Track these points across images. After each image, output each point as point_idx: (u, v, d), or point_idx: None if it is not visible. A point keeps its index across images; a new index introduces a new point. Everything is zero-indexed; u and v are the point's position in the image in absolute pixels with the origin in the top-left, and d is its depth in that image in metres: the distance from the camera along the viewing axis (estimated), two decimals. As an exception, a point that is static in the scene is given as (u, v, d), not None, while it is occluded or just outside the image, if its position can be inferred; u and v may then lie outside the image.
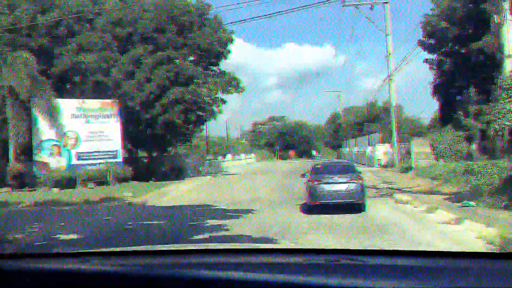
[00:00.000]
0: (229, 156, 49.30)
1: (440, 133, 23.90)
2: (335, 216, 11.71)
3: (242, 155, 57.49)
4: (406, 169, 24.95)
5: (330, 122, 72.79)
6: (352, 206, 12.21)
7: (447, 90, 27.23)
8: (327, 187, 12.40)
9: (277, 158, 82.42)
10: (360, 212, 12.17)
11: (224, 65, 30.76)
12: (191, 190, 23.66)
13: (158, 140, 29.97)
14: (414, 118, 44.55)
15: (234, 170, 44.19)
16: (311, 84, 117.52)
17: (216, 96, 30.01)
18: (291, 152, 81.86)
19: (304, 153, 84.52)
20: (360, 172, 13.97)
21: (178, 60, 27.07)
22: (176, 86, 27.10)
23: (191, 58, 28.77)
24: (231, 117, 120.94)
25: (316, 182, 12.61)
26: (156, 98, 26.78)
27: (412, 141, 24.41)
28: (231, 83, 30.20)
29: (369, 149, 36.12)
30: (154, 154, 32.96)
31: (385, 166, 31.12)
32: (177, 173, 30.45)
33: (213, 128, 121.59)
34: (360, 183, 12.70)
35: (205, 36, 28.25)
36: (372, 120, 55.63)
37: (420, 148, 24.18)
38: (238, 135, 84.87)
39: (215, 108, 30.28)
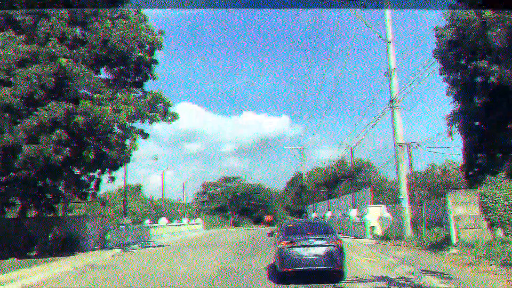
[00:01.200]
0: (163, 220, 37.44)
1: (496, 185, 14.29)
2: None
3: (185, 220, 45.80)
4: (437, 245, 14.88)
5: (291, 184, 62.93)
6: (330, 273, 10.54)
7: (481, 122, 18.26)
8: (301, 251, 10.64)
9: (230, 225, 70.53)
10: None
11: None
12: (60, 279, 12.52)
13: (31, 190, 18.38)
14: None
15: (167, 239, 32.50)
16: (269, 151, 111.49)
17: (132, 123, 19.45)
18: (268, 217, 69.42)
19: (260, 220, 73.70)
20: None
21: (64, 60, 16.52)
22: (55, 99, 16.41)
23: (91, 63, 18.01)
24: (189, 179, 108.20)
25: (288, 245, 10.78)
26: (17, 115, 15.84)
27: (448, 196, 14.53)
28: (156, 106, 19.85)
29: (353, 212, 26.01)
30: (31, 215, 21.17)
31: (384, 238, 20.94)
32: (68, 244, 19.56)
33: (170, 192, 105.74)
34: (339, 245, 10.81)
35: (118, 32, 18.15)
36: (339, 180, 46.66)
37: (460, 209, 14.35)
38: (192, 200, 73.04)
39: (127, 143, 19.46)
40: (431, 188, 24.71)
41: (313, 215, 44.39)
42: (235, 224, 72.90)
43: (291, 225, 12.53)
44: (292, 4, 23.37)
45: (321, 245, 10.59)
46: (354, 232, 25.04)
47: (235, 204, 71.51)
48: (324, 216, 38.06)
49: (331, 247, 10.55)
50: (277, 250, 10.98)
